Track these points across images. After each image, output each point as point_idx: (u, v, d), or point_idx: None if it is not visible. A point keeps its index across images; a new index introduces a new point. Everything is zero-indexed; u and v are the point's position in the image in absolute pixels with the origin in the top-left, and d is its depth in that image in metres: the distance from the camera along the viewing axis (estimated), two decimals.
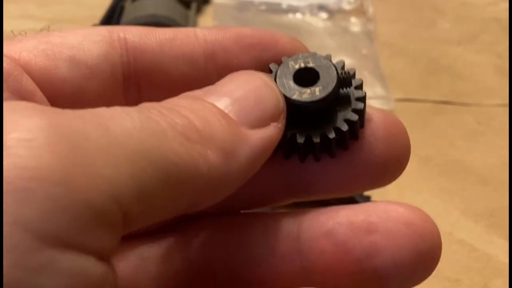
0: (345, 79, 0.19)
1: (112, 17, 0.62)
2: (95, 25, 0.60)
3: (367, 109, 0.19)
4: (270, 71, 0.19)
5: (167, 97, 0.19)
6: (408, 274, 0.18)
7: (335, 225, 0.18)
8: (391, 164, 0.20)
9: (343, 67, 0.19)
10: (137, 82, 0.20)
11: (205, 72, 0.20)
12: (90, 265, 0.13)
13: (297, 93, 0.18)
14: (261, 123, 0.17)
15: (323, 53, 0.19)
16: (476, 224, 0.44)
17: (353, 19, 0.66)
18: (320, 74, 0.18)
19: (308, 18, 0.66)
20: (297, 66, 0.19)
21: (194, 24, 0.61)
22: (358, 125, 0.19)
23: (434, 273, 0.41)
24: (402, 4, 0.72)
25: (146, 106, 0.16)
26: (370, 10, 0.67)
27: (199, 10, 0.65)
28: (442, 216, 0.45)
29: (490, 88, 0.60)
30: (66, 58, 0.18)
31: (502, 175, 0.49)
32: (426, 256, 0.18)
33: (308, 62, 0.19)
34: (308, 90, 0.18)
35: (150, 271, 0.19)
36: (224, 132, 0.16)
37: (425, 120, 0.54)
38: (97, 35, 0.19)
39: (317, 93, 0.18)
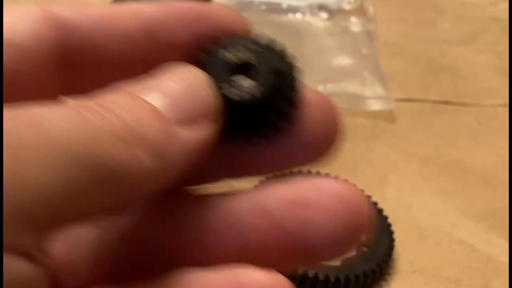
0: (281, 70, 0.18)
1: None
2: None
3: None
4: (208, 53, 0.18)
5: (106, 78, 0.18)
6: (338, 245, 0.18)
7: (270, 201, 0.18)
8: (323, 142, 0.20)
9: (283, 56, 0.19)
10: (73, 63, 0.19)
11: (145, 50, 0.19)
12: (15, 265, 0.13)
13: (228, 87, 0.18)
14: (195, 122, 0.17)
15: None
16: (476, 224, 0.44)
17: (353, 19, 0.66)
18: (256, 68, 0.18)
19: (308, 18, 0.66)
20: (232, 57, 0.18)
21: None
22: (290, 113, 0.19)
23: (434, 273, 0.41)
24: (402, 4, 0.72)
25: (80, 103, 0.15)
26: (370, 10, 0.67)
27: None
28: (442, 216, 0.45)
29: (490, 88, 0.60)
30: None
31: (503, 175, 0.49)
32: (356, 228, 0.18)
33: (246, 51, 0.18)
34: (241, 86, 0.18)
35: (85, 252, 0.19)
36: (157, 132, 0.16)
37: (425, 120, 0.54)
38: (28, 12, 0.18)
39: (251, 91, 0.18)
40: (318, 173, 0.42)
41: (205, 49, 0.18)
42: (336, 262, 0.38)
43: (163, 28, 0.19)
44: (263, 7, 0.66)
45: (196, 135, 0.17)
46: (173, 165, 0.16)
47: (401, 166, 0.49)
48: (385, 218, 0.42)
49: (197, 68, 0.18)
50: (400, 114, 0.55)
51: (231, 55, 0.18)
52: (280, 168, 0.20)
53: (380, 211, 0.42)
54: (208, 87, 0.18)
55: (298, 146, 0.20)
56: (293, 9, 0.66)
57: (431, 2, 0.73)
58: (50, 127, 0.14)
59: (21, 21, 0.18)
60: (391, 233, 0.41)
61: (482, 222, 0.45)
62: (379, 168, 0.48)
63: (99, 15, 0.19)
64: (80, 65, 0.19)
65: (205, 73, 0.18)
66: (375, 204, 0.43)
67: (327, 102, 0.20)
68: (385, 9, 0.70)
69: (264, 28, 0.69)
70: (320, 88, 0.56)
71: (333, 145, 0.20)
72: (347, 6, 0.67)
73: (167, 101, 0.17)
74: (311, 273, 0.37)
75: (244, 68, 0.18)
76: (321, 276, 0.37)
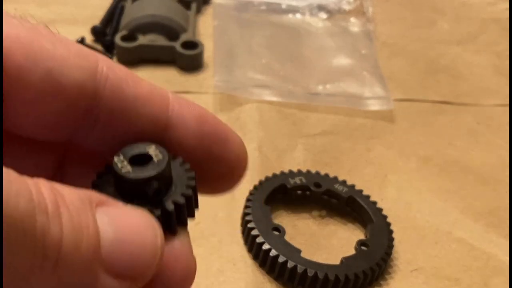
0: (177, 162, 0.20)
1: (112, 17, 0.62)
2: (95, 26, 0.60)
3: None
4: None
5: (114, 147, 0.19)
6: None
7: None
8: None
9: (181, 164, 0.20)
10: (95, 122, 0.20)
11: (161, 137, 0.20)
12: None
13: (126, 168, 0.19)
14: (120, 276, 0.17)
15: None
16: (475, 223, 0.44)
17: (353, 19, 0.66)
18: (154, 159, 0.19)
19: (308, 18, 0.66)
20: (136, 151, 0.19)
21: (194, 24, 0.62)
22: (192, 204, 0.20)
23: (433, 272, 0.42)
24: (401, 5, 0.72)
25: (41, 184, 0.16)
26: (370, 10, 0.67)
27: (199, 10, 0.65)
28: (442, 215, 0.45)
29: (490, 88, 0.60)
30: (44, 68, 0.18)
31: (502, 175, 0.49)
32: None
33: (147, 150, 0.19)
34: (137, 169, 0.19)
35: None
36: (81, 266, 0.16)
37: (425, 120, 0.55)
38: (84, 58, 0.19)
39: (145, 172, 0.19)
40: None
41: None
42: (336, 262, 0.38)
43: (182, 126, 0.21)
44: (263, 7, 0.66)
45: (113, 286, 0.17)
46: None
47: (401, 165, 0.49)
48: (385, 217, 0.42)
49: (161, 232, 0.18)
50: (399, 114, 0.55)
51: (135, 149, 0.20)
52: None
53: (379, 210, 0.42)
54: (157, 254, 0.18)
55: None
56: (293, 9, 0.67)
57: (430, 3, 0.73)
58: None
59: (74, 62, 0.18)
60: (390, 232, 0.41)
61: (481, 221, 0.45)
62: (378, 168, 0.48)
63: (138, 92, 0.20)
64: (103, 125, 0.20)
65: (163, 241, 0.18)
66: (374, 203, 0.43)
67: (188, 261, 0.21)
68: (385, 9, 0.70)
69: (264, 28, 0.70)
70: (320, 88, 0.56)
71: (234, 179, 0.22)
72: (346, 7, 0.68)
73: (113, 237, 0.17)
74: (310, 272, 0.37)
75: (144, 159, 0.19)
76: (320, 275, 0.37)
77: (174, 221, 0.19)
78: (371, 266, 0.38)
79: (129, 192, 0.19)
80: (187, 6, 0.64)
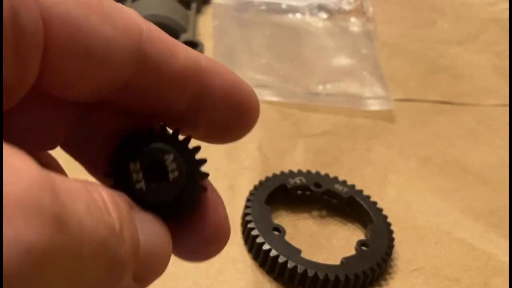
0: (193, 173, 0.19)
1: None
2: None
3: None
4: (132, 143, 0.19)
5: (146, 102, 0.19)
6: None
7: None
8: (217, 242, 0.21)
9: (195, 156, 0.19)
10: (52, 53, 0.17)
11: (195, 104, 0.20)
12: None
13: (142, 184, 0.18)
14: (139, 281, 0.17)
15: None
16: (475, 223, 0.44)
17: (353, 19, 0.66)
18: (170, 173, 0.19)
19: (308, 18, 0.66)
20: (152, 159, 0.19)
21: (194, 24, 0.62)
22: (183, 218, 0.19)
23: (433, 272, 0.42)
24: (401, 4, 0.72)
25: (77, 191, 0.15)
26: (370, 10, 0.67)
27: (199, 10, 0.65)
28: (442, 215, 0.45)
29: (490, 88, 0.60)
30: (88, 50, 0.17)
31: (502, 175, 0.49)
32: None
33: (164, 158, 0.19)
34: (153, 186, 0.18)
35: None
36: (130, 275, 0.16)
37: (425, 120, 0.55)
38: (129, 36, 0.18)
39: (160, 193, 0.18)
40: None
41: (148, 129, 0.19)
42: (336, 262, 0.38)
43: (215, 91, 0.20)
44: (263, 7, 0.66)
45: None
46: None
47: (401, 166, 0.49)
48: (385, 217, 0.42)
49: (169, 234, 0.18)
50: (399, 114, 0.55)
51: (152, 156, 0.19)
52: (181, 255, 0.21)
53: (379, 210, 0.42)
54: (169, 258, 0.18)
55: (197, 243, 0.20)
56: (293, 9, 0.66)
57: (430, 3, 0.73)
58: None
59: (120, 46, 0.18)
60: (390, 232, 0.41)
61: (481, 221, 0.45)
62: (378, 168, 0.48)
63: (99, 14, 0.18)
64: (58, 57, 0.18)
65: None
66: (374, 203, 0.43)
67: (221, 204, 0.21)
68: (385, 9, 0.70)
69: (264, 28, 0.70)
70: (320, 88, 0.56)
71: (222, 245, 0.21)
72: (346, 6, 0.68)
73: (145, 247, 0.17)
74: (310, 273, 0.37)
75: (159, 169, 0.19)
76: (320, 276, 0.37)
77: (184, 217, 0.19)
78: (371, 266, 0.38)
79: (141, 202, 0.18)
80: (187, 6, 0.64)
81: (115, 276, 0.15)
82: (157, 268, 0.17)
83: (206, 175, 0.19)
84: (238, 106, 0.20)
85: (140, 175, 0.18)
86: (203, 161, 0.19)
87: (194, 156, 0.19)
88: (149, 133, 0.19)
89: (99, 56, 0.17)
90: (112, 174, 0.19)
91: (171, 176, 0.18)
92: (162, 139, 0.19)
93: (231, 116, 0.20)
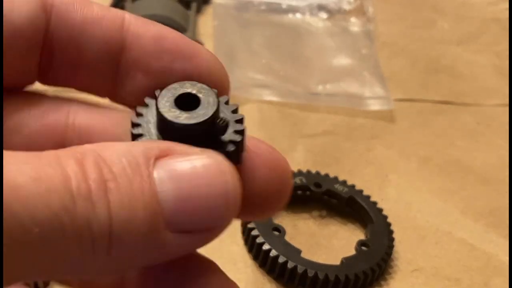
0: (225, 105, 0.19)
1: None
2: None
3: (253, 141, 0.19)
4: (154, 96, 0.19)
5: (73, 78, 0.19)
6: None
7: None
8: (269, 197, 0.19)
9: (227, 102, 0.19)
10: (51, 55, 0.19)
11: (117, 63, 0.19)
12: None
13: (174, 114, 0.18)
14: (191, 231, 0.16)
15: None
16: (476, 223, 0.44)
17: (353, 19, 0.66)
18: (202, 101, 0.18)
19: (308, 18, 0.66)
20: (181, 90, 0.18)
21: (194, 24, 0.62)
22: (239, 148, 0.19)
23: (434, 272, 0.41)
24: (402, 4, 0.72)
25: (84, 176, 0.15)
26: (370, 10, 0.67)
27: (199, 10, 0.65)
28: (442, 215, 0.45)
29: (490, 88, 0.60)
30: None
31: (502, 175, 0.49)
32: None
33: (194, 88, 0.18)
34: (186, 114, 0.18)
35: None
36: (139, 239, 0.15)
37: (425, 120, 0.54)
38: None
39: (193, 118, 0.18)
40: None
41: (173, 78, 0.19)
42: (336, 262, 0.38)
43: (139, 49, 0.19)
44: (263, 7, 0.66)
45: (183, 242, 0.16)
46: (136, 266, 0.16)
47: (401, 166, 0.49)
48: (385, 217, 0.42)
49: (237, 175, 0.17)
50: (399, 114, 0.55)
51: (181, 89, 0.18)
52: None
53: (379, 210, 0.42)
54: (232, 199, 0.16)
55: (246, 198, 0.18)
56: (293, 9, 0.66)
57: (431, 2, 0.73)
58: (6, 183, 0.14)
59: (20, 2, 0.18)
60: (390, 232, 0.41)
61: (481, 221, 0.45)
62: (378, 168, 0.48)
63: (89, 15, 0.19)
64: (56, 58, 0.19)
65: (238, 181, 0.17)
66: (374, 203, 0.43)
67: (281, 160, 0.19)
68: (385, 9, 0.70)
69: (264, 28, 0.70)
70: (320, 88, 0.56)
71: (279, 202, 0.20)
72: (347, 6, 0.67)
73: (175, 194, 0.16)
74: (310, 273, 0.37)
75: (190, 101, 0.18)
76: (320, 276, 0.37)
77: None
78: (371, 266, 0.38)
79: (180, 139, 0.17)
80: (187, 6, 0.64)
81: (89, 246, 0.14)
82: (208, 214, 0.16)
83: (242, 128, 0.19)
84: (170, 52, 0.19)
85: (172, 108, 0.18)
86: (241, 115, 0.19)
87: (232, 111, 0.19)
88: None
89: (7, 14, 0.17)
90: (134, 122, 0.18)
91: (202, 99, 0.18)
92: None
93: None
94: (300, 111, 0.53)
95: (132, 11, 0.60)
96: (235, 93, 0.53)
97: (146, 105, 0.19)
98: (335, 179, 0.44)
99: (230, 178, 0.16)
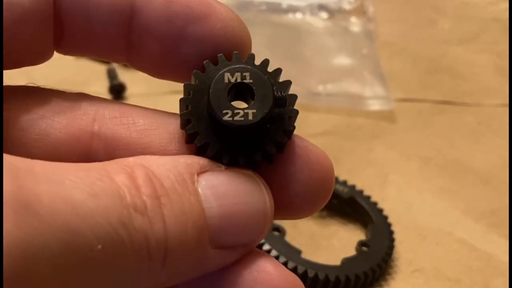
0: (280, 98, 0.18)
1: None
2: None
3: (301, 141, 0.19)
4: (203, 69, 0.18)
5: (87, 45, 0.18)
6: None
7: None
8: (313, 197, 0.19)
9: (278, 79, 0.18)
10: (62, 25, 0.18)
11: (127, 30, 0.19)
12: None
13: (230, 113, 0.17)
14: (231, 247, 0.16)
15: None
16: (476, 223, 0.44)
17: (353, 19, 0.66)
18: (256, 93, 0.17)
19: (308, 18, 0.66)
20: (233, 80, 0.17)
21: None
22: (285, 145, 0.18)
23: (434, 272, 0.41)
24: (402, 4, 0.72)
25: (135, 200, 0.15)
26: (371, 10, 0.67)
27: None
28: (443, 215, 0.45)
29: (490, 88, 0.60)
30: None
31: (502, 175, 0.49)
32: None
33: (245, 77, 0.18)
34: (241, 112, 0.17)
35: None
36: (189, 255, 0.15)
37: (425, 120, 0.54)
38: None
39: (250, 117, 0.17)
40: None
41: (201, 65, 0.18)
42: (336, 262, 0.38)
43: (149, 15, 0.18)
44: (263, 7, 0.66)
45: (223, 258, 0.16)
46: (182, 279, 0.16)
47: (401, 166, 0.49)
48: (385, 218, 0.42)
49: (269, 193, 0.17)
50: (400, 114, 0.55)
51: (232, 76, 0.18)
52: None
53: (380, 211, 0.42)
54: (268, 218, 0.17)
55: (287, 191, 0.19)
56: (293, 9, 0.66)
57: (431, 2, 0.73)
58: (61, 201, 0.13)
59: None
60: (391, 233, 0.41)
61: (482, 221, 0.45)
62: (379, 168, 0.48)
63: None
64: (69, 25, 0.19)
65: (272, 202, 0.17)
66: (375, 204, 0.43)
67: (326, 160, 0.20)
68: (385, 9, 0.70)
69: (264, 28, 0.69)
70: (320, 88, 0.56)
71: (322, 202, 0.19)
72: (347, 6, 0.67)
73: (219, 212, 0.16)
74: (311, 273, 0.37)
75: (243, 91, 0.18)
76: (321, 276, 0.37)
77: (281, 148, 0.18)
78: (371, 266, 0.38)
79: (228, 134, 0.17)
80: None
81: (146, 262, 0.14)
82: (246, 231, 0.16)
83: (293, 96, 0.18)
84: (181, 14, 0.18)
85: (227, 106, 0.17)
86: (288, 82, 0.18)
87: (276, 78, 0.18)
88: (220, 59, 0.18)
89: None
90: (184, 100, 0.18)
91: (256, 92, 0.17)
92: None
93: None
94: (301, 111, 0.53)
95: None
96: None
97: (194, 79, 0.18)
98: (336, 179, 0.44)
99: (267, 197, 0.17)
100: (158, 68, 0.19)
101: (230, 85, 0.17)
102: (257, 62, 0.18)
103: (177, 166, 0.16)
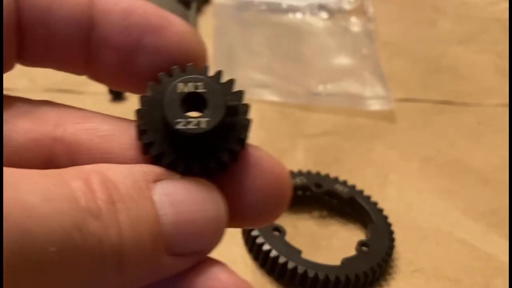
0: (233, 107, 0.18)
1: None
2: None
3: (251, 149, 0.19)
4: (158, 81, 0.18)
5: (47, 57, 0.19)
6: None
7: None
8: (268, 206, 0.19)
9: (231, 89, 0.19)
10: (23, 36, 0.19)
11: (87, 41, 0.19)
12: None
13: (183, 122, 0.17)
14: (185, 254, 0.16)
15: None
16: (476, 223, 0.44)
17: (353, 19, 0.66)
18: (209, 102, 0.18)
19: (308, 18, 0.66)
20: (186, 90, 0.18)
21: (194, 24, 0.61)
22: (239, 153, 0.18)
23: (434, 272, 0.41)
24: (402, 4, 0.72)
25: (87, 197, 0.15)
26: (370, 10, 0.67)
27: (199, 10, 0.65)
28: (443, 215, 0.45)
29: (490, 88, 0.60)
30: None
31: (502, 175, 0.49)
32: None
33: (198, 87, 0.18)
34: (194, 121, 0.17)
35: None
36: (144, 262, 0.15)
37: (426, 120, 0.54)
38: None
39: (203, 125, 0.17)
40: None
41: (156, 77, 0.19)
42: (336, 262, 0.38)
43: (108, 25, 0.19)
44: (263, 7, 0.66)
45: (178, 264, 0.16)
46: (134, 284, 0.16)
47: (401, 166, 0.49)
48: (385, 218, 0.42)
49: (223, 201, 0.17)
50: (400, 114, 0.55)
51: (185, 87, 0.18)
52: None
53: (380, 211, 0.42)
54: (222, 226, 0.17)
55: (241, 200, 0.19)
56: (293, 9, 0.66)
57: (431, 2, 0.73)
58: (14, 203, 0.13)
59: None
60: (391, 233, 0.41)
61: (482, 221, 0.45)
62: (379, 168, 0.48)
63: None
64: (29, 35, 0.19)
65: (226, 210, 0.17)
66: (375, 204, 0.43)
67: (281, 168, 0.19)
68: (385, 9, 0.70)
69: (264, 28, 0.70)
70: (320, 88, 0.56)
71: (278, 211, 0.19)
72: (347, 6, 0.67)
73: (173, 219, 0.16)
74: (311, 273, 0.37)
75: (196, 101, 0.18)
76: (321, 276, 0.37)
77: (234, 156, 0.18)
78: (372, 266, 0.38)
79: (182, 143, 0.17)
80: (187, 6, 0.64)
81: (101, 266, 0.15)
82: (200, 238, 0.16)
83: (246, 105, 0.18)
84: (138, 26, 0.19)
85: (178, 113, 0.17)
86: (241, 92, 0.18)
87: (229, 88, 0.18)
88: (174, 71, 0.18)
89: None
90: (139, 111, 0.18)
91: (209, 101, 0.17)
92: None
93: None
94: (301, 111, 0.53)
95: None
96: None
97: (150, 90, 0.18)
98: (336, 179, 0.44)
99: (221, 204, 0.17)
100: (116, 79, 0.20)
101: (183, 95, 0.18)
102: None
103: (134, 174, 0.16)
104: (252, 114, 0.19)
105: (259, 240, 0.39)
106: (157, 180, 0.16)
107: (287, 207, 0.19)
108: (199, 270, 0.17)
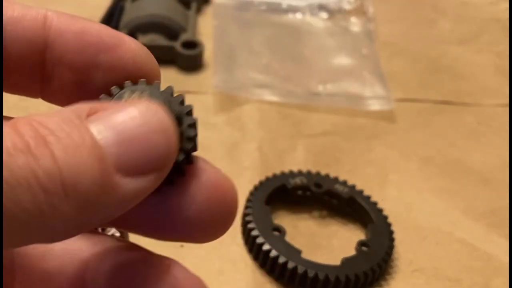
0: (177, 117, 0.18)
1: (112, 17, 0.62)
2: None
3: (201, 162, 0.19)
4: (110, 94, 0.19)
5: (11, 78, 0.19)
6: None
7: None
8: (211, 221, 0.19)
9: (182, 102, 0.19)
10: None
11: (42, 61, 0.19)
12: None
13: None
14: (140, 173, 0.16)
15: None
16: (476, 223, 0.44)
17: (353, 19, 0.66)
18: None
19: (308, 18, 0.66)
20: (131, 98, 0.18)
21: (194, 24, 0.61)
22: (184, 163, 0.18)
23: (434, 272, 0.41)
24: (402, 4, 0.72)
25: (13, 131, 0.15)
26: (370, 10, 0.67)
27: (199, 10, 0.65)
28: (443, 215, 0.45)
29: (490, 88, 0.60)
30: None
31: (502, 175, 0.49)
32: None
33: (144, 96, 0.18)
34: None
35: None
36: (91, 182, 0.15)
37: (425, 120, 0.54)
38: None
39: None
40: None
41: (109, 91, 0.19)
42: (336, 262, 0.38)
43: (62, 45, 0.19)
44: (263, 7, 0.66)
45: (137, 186, 0.16)
46: (99, 216, 0.16)
47: (401, 166, 0.49)
48: (385, 217, 0.42)
49: (165, 109, 0.17)
50: (400, 114, 0.55)
51: (131, 95, 0.18)
52: (158, 231, 0.19)
53: (380, 211, 0.42)
54: (171, 136, 0.17)
55: (187, 210, 0.18)
56: (293, 9, 0.66)
57: (431, 2, 0.73)
58: None
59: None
60: (391, 232, 0.41)
61: (482, 221, 0.45)
62: (379, 168, 0.48)
63: (9, 16, 0.19)
64: None
65: (170, 118, 0.17)
66: (375, 204, 0.43)
67: (227, 185, 0.19)
68: (385, 9, 0.70)
69: (264, 28, 0.70)
70: (320, 88, 0.56)
71: (222, 228, 0.19)
72: (347, 6, 0.67)
73: (116, 139, 0.16)
74: (311, 273, 0.37)
75: None
76: (321, 276, 0.37)
77: (181, 170, 0.18)
78: (371, 266, 0.38)
79: None
80: (187, 5, 0.64)
81: (43, 197, 0.14)
82: (152, 151, 0.16)
83: (194, 120, 0.19)
84: (92, 45, 0.19)
85: None
86: (189, 107, 0.19)
87: (180, 103, 0.19)
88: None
89: None
90: None
91: None
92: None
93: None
94: (300, 111, 0.53)
95: (132, 11, 0.60)
96: (235, 93, 0.53)
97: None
98: (336, 179, 0.44)
99: (163, 114, 0.17)
100: (71, 97, 0.20)
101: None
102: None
103: (62, 111, 0.16)
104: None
105: (259, 240, 0.39)
106: (90, 113, 0.16)
107: (231, 224, 0.19)
108: (159, 274, 0.18)
